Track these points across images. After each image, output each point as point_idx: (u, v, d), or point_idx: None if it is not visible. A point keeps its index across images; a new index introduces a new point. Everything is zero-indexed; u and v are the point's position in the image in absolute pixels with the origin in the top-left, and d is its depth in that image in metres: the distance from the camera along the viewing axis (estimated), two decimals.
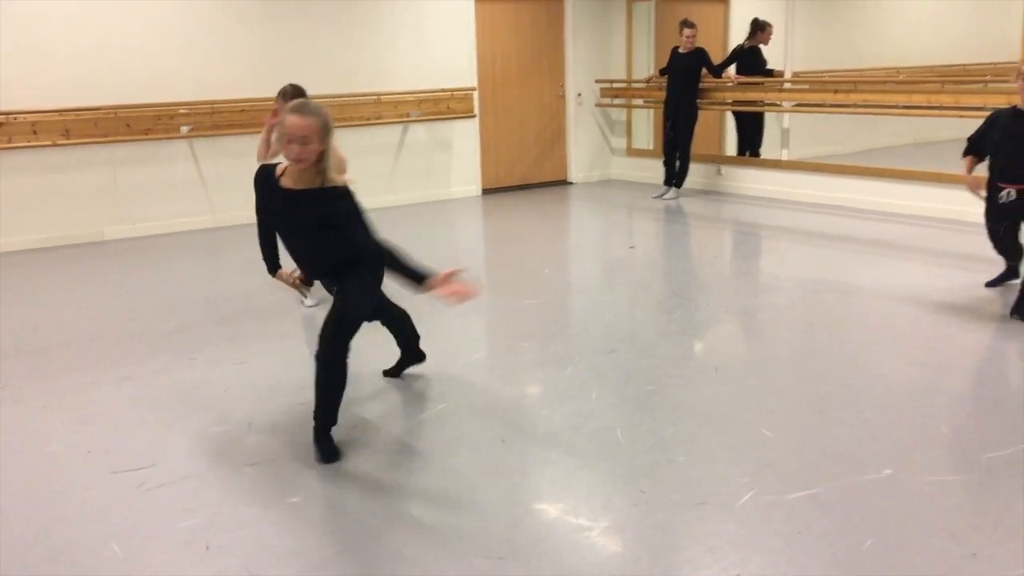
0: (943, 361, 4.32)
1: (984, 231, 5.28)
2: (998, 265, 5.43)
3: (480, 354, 4.69)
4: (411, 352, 4.21)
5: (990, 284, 5.41)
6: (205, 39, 8.04)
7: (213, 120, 8.08)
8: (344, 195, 3.28)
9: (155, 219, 8.05)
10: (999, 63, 8.30)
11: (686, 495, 3.04)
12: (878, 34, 10.69)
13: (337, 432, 3.50)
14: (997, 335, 4.68)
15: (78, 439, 3.66)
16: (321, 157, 3.22)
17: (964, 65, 9.32)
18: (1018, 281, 5.09)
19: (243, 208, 8.36)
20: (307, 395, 3.96)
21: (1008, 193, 4.98)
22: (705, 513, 2.91)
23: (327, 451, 3.40)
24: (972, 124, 7.31)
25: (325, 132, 3.20)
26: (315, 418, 3.43)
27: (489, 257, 7.20)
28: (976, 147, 5.25)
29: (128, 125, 7.75)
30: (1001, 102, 7.06)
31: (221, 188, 8.32)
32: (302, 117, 3.17)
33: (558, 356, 4.47)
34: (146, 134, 7.86)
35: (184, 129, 7.99)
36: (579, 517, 2.92)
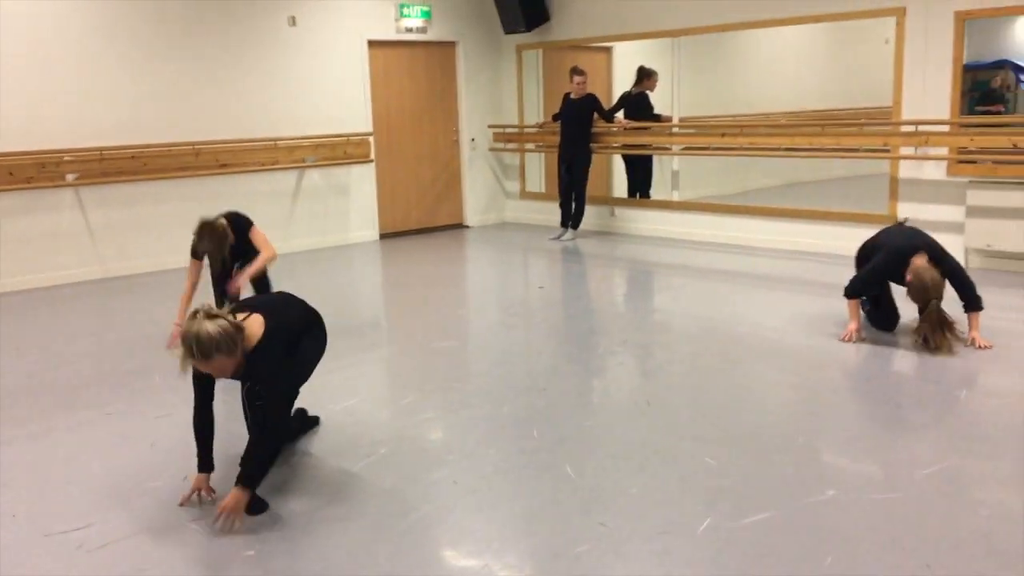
0: (856, 386, 4.56)
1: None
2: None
3: (411, 398, 4.63)
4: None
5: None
6: (92, 84, 7.76)
7: (102, 167, 7.79)
8: (260, 354, 3.26)
9: (40, 271, 7.65)
10: (870, 107, 8.90)
11: (646, 525, 3.09)
12: (755, 82, 11.26)
13: (288, 480, 3.40)
14: (886, 356, 4.97)
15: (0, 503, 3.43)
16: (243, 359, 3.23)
17: (839, 110, 9.94)
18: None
19: (133, 258, 8.11)
20: (236, 447, 3.84)
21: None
22: (669, 542, 2.97)
23: (260, 503, 3.29)
24: (852, 164, 7.81)
25: (231, 350, 3.13)
26: (251, 476, 3.24)
27: (397, 300, 7.15)
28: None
29: (11, 173, 7.37)
30: (877, 143, 7.58)
31: (110, 238, 8.00)
32: (207, 364, 3.12)
33: (492, 395, 4.48)
34: (28, 182, 7.49)
35: (70, 177, 7.67)
36: (549, 550, 2.93)
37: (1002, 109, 10.23)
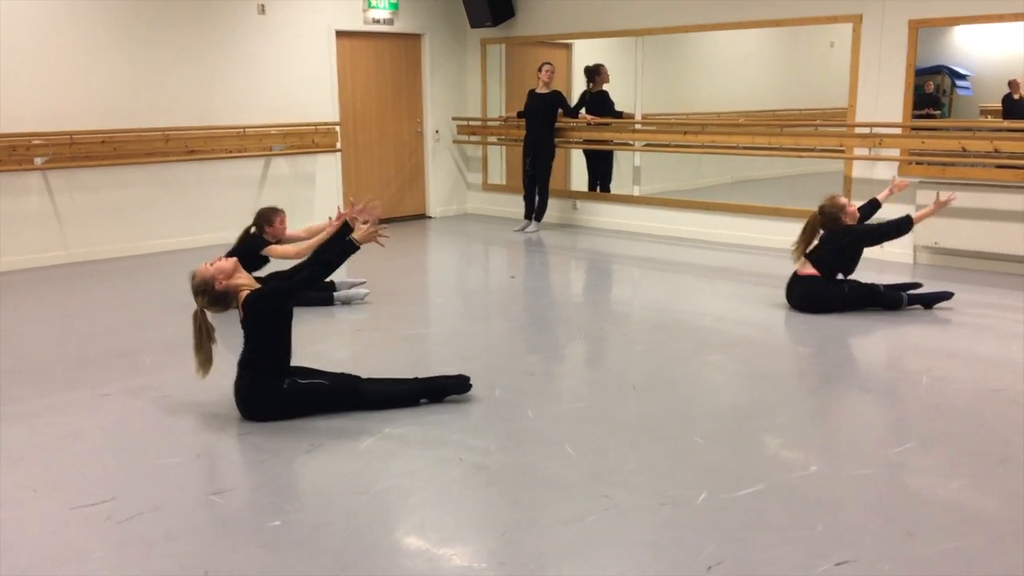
0: (823, 371, 4.86)
1: None
2: None
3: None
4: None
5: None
6: (63, 68, 7.72)
7: (71, 151, 7.75)
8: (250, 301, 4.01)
9: (5, 255, 7.59)
10: (820, 108, 9.28)
11: (647, 497, 3.31)
12: (715, 81, 11.61)
13: (297, 456, 3.54)
14: (850, 345, 5.28)
15: (15, 479, 3.51)
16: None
17: (794, 110, 10.33)
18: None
19: (99, 244, 8.08)
20: (246, 426, 4.00)
21: None
22: (671, 512, 3.20)
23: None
24: (804, 162, 8.16)
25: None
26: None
27: (371, 288, 7.27)
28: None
29: None
30: (833, 143, 7.92)
31: (77, 222, 7.96)
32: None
33: (482, 377, 4.65)
34: None
35: (39, 161, 7.63)
36: (560, 518, 3.13)
37: (936, 113, 10.74)
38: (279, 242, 6.13)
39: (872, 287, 5.91)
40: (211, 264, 4.06)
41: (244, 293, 4.03)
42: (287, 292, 4.07)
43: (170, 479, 3.50)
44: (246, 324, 4.03)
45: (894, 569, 2.79)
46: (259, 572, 2.81)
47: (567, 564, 2.85)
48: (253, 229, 6.21)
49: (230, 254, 5.74)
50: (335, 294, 6.29)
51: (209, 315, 4.04)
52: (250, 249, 5.96)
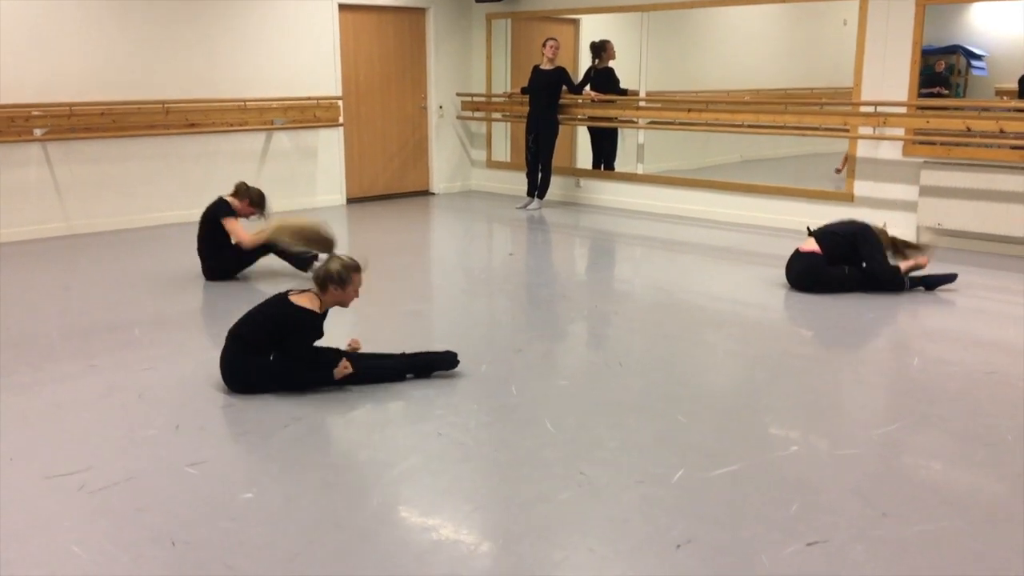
0: (814, 353, 4.81)
1: None
2: None
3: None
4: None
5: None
6: (64, 39, 7.69)
7: (71, 123, 7.74)
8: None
9: (5, 226, 7.61)
10: (831, 88, 9.15)
11: (624, 475, 3.28)
12: (721, 59, 11.49)
13: (277, 429, 3.53)
14: (842, 326, 5.23)
15: None
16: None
17: (800, 89, 10.21)
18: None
19: (99, 216, 8.08)
20: (230, 399, 3.99)
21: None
22: (646, 490, 3.17)
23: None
24: (810, 142, 8.09)
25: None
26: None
27: (371, 264, 7.24)
28: None
29: None
30: (837, 122, 7.83)
31: (76, 194, 7.96)
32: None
33: (470, 354, 4.62)
34: None
35: (38, 132, 7.61)
36: (534, 495, 3.11)
37: (945, 92, 10.60)
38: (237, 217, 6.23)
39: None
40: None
41: (303, 300, 4.05)
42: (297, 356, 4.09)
43: (147, 450, 3.50)
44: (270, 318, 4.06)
45: (866, 550, 2.76)
46: (227, 544, 2.80)
47: (535, 540, 2.83)
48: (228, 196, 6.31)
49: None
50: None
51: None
52: (214, 213, 6.15)
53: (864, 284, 5.81)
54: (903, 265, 5.84)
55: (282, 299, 4.05)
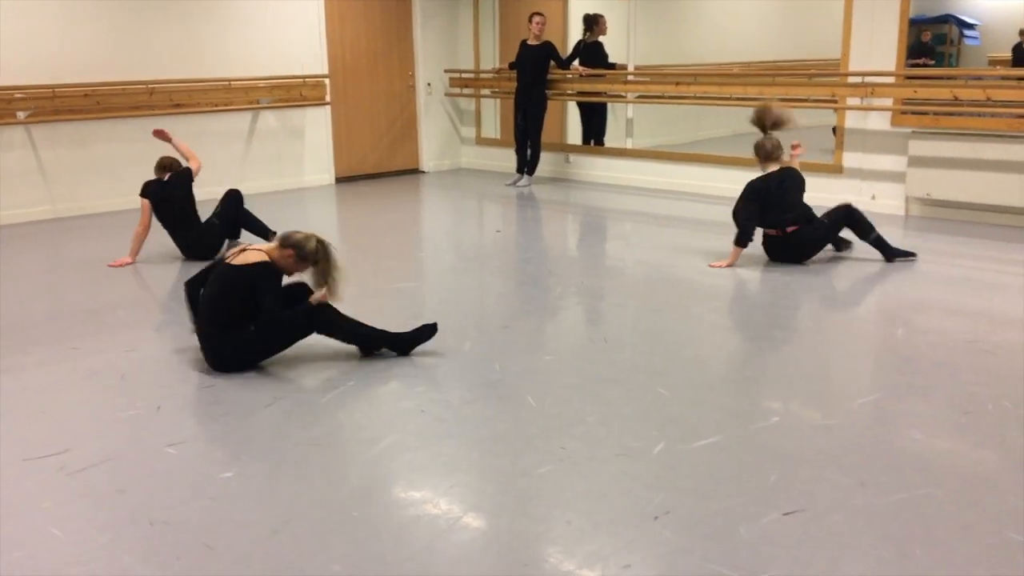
0: (798, 324, 4.80)
1: None
2: None
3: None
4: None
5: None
6: (46, 21, 7.63)
7: (54, 105, 7.69)
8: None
9: None
10: (819, 59, 9.10)
11: (604, 448, 3.29)
12: (709, 32, 11.42)
13: (258, 408, 3.53)
14: (827, 300, 5.22)
15: None
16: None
17: (789, 61, 10.14)
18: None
19: (84, 199, 8.05)
20: (213, 379, 3.99)
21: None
22: (626, 463, 3.17)
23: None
24: (801, 114, 8.04)
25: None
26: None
27: (358, 243, 7.23)
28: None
29: None
30: (824, 93, 7.79)
31: (61, 177, 7.92)
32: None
33: (455, 332, 4.61)
34: None
35: (21, 115, 7.56)
36: (514, 470, 3.11)
37: (931, 63, 10.55)
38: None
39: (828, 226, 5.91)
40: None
41: (249, 257, 4.05)
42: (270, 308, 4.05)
43: (127, 431, 3.49)
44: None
45: (844, 519, 2.77)
46: (206, 523, 2.80)
47: (514, 514, 2.83)
48: (168, 176, 6.29)
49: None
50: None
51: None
52: (183, 184, 6.27)
53: (823, 238, 5.92)
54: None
55: (226, 269, 4.05)
